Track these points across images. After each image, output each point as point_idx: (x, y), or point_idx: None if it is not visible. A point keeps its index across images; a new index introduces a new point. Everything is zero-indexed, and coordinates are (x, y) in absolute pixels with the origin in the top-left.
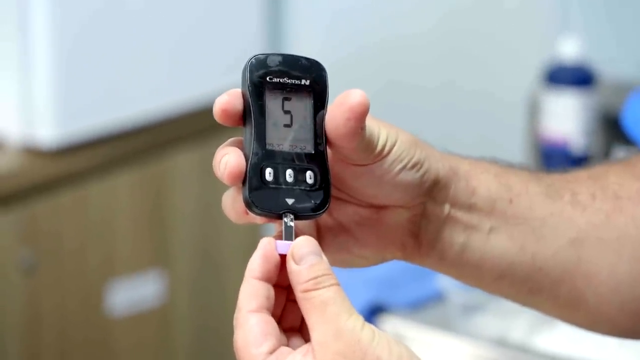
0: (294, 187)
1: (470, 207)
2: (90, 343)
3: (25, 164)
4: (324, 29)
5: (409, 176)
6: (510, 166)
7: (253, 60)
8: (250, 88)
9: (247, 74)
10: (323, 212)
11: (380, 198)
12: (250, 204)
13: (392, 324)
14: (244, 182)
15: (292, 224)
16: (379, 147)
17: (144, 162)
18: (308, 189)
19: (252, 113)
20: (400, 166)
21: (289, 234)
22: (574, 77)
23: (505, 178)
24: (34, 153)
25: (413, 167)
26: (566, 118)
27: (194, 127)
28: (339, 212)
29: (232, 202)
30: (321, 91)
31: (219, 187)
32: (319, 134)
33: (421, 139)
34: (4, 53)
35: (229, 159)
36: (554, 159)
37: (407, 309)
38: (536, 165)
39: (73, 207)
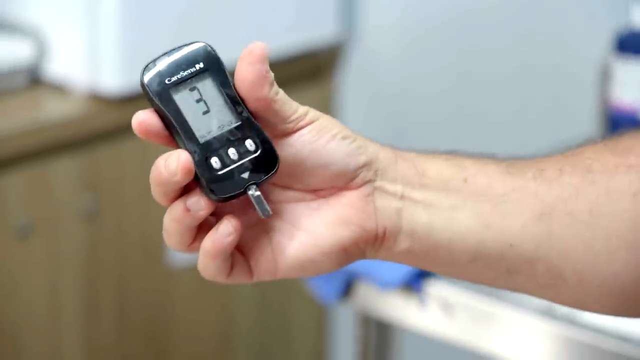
0: (243, 161)
1: (423, 186)
2: (148, 292)
3: (90, 110)
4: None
5: (342, 146)
6: (466, 155)
7: (144, 74)
8: (158, 99)
9: (148, 89)
10: (278, 165)
11: (317, 173)
12: (214, 197)
13: (438, 290)
14: (200, 184)
15: (258, 193)
16: (298, 111)
17: None
18: (255, 155)
19: (172, 119)
20: (329, 135)
21: (261, 203)
22: None
23: (458, 160)
24: (98, 100)
25: (345, 138)
26: (637, 86)
27: None
28: (287, 213)
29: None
30: (217, 65)
31: None
32: (236, 102)
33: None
34: (75, 3)
35: (178, 154)
36: (623, 127)
37: None
38: (605, 134)
39: (135, 156)
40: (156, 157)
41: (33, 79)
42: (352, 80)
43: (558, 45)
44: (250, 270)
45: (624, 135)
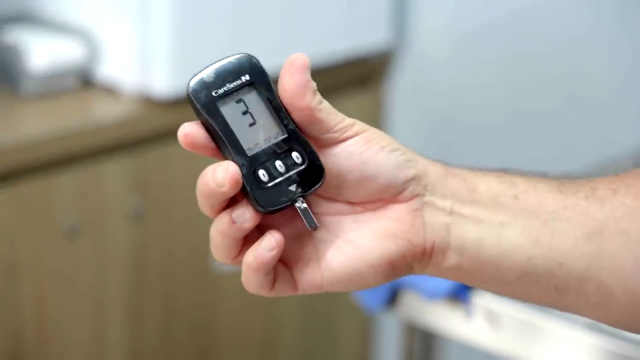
0: (290, 174)
1: (472, 202)
2: (194, 295)
3: (140, 113)
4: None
5: (391, 158)
6: (516, 173)
7: (191, 85)
8: (205, 111)
9: (195, 101)
10: (324, 178)
11: (364, 185)
12: (261, 210)
13: (484, 301)
14: (247, 196)
15: (305, 205)
16: (344, 121)
17: None
18: (301, 168)
19: (219, 131)
20: (377, 146)
21: (308, 215)
22: None
23: (508, 177)
24: (148, 102)
25: (394, 150)
26: None
27: None
28: (333, 225)
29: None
30: (262, 77)
31: None
32: (282, 115)
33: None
34: (127, 5)
35: (227, 165)
36: None
37: None
38: None
39: (184, 158)
40: (205, 161)
41: (84, 80)
42: (403, 87)
43: (609, 56)
44: (294, 283)
45: None
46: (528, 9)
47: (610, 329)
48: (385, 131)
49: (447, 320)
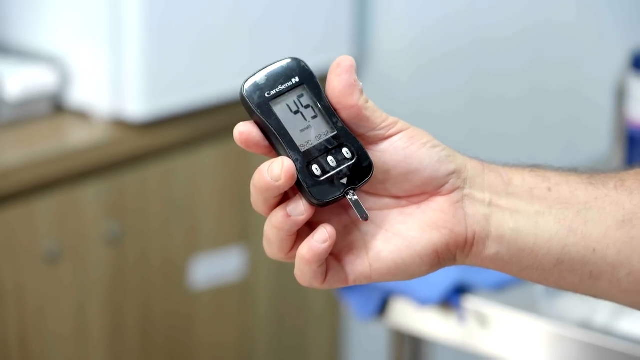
0: (341, 168)
1: (509, 195)
2: (172, 315)
3: (113, 136)
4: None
5: (433, 153)
6: (548, 167)
7: (245, 87)
8: (259, 111)
9: (249, 102)
10: (372, 171)
11: (409, 179)
12: (316, 202)
13: (476, 305)
14: (302, 190)
15: (356, 197)
16: (389, 119)
17: (228, 138)
18: (351, 162)
19: (274, 130)
20: (420, 142)
21: (359, 206)
22: None
23: (541, 171)
24: (121, 126)
25: (435, 146)
26: None
27: None
28: (380, 219)
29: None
30: (311, 79)
31: None
32: (331, 114)
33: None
34: (97, 31)
35: (282, 160)
36: (639, 142)
37: (492, 290)
38: (622, 149)
39: (158, 181)
40: (179, 182)
41: (57, 106)
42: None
43: (573, 65)
44: (345, 275)
45: None
46: (489, 29)
47: (600, 325)
48: None
49: (437, 325)
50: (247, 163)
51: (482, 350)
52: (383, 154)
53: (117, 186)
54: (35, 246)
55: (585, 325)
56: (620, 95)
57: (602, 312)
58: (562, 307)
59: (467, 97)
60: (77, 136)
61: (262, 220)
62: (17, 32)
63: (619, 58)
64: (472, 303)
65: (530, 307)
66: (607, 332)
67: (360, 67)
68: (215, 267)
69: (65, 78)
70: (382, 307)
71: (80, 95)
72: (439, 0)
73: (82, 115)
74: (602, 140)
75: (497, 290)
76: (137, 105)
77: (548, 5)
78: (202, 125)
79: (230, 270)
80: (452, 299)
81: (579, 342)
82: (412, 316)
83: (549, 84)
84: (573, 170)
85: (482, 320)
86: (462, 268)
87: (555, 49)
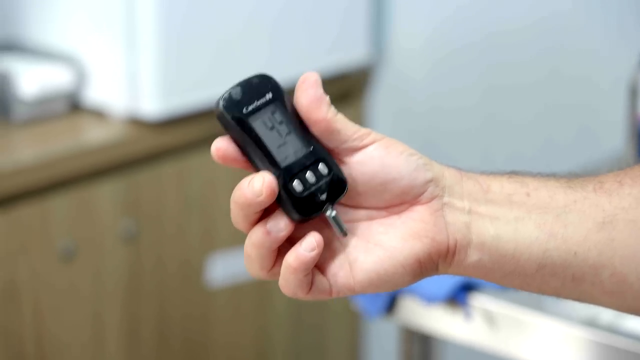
0: (320, 184)
1: (488, 201)
2: (187, 312)
3: (129, 135)
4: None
5: (410, 162)
6: (527, 174)
7: (221, 104)
8: (239, 127)
9: (227, 117)
10: (347, 186)
11: (387, 189)
12: (299, 219)
13: (482, 302)
14: (283, 206)
15: (335, 213)
16: (361, 130)
17: None
18: (328, 177)
19: (254, 143)
20: (396, 151)
21: (338, 222)
22: None
23: (519, 177)
24: (137, 125)
25: (411, 155)
26: None
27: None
28: (361, 230)
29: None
30: (282, 95)
31: None
32: (304, 129)
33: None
34: (113, 30)
35: (263, 176)
36: None
37: (498, 288)
38: (632, 149)
39: (175, 179)
40: (195, 181)
41: (73, 105)
42: (381, 101)
43: (587, 61)
44: (329, 288)
45: None
46: (501, 36)
47: (606, 324)
48: None
49: (445, 323)
50: None
51: (489, 347)
52: (360, 164)
53: (133, 184)
54: (51, 244)
55: (591, 324)
56: (634, 93)
57: (608, 310)
58: (568, 305)
59: (482, 89)
60: (93, 134)
61: None
62: (34, 31)
63: (634, 53)
64: (478, 301)
65: (537, 305)
66: (612, 330)
67: (377, 66)
68: (232, 266)
69: (81, 77)
70: (391, 305)
71: (97, 93)
72: None
73: (98, 114)
74: (617, 135)
75: (504, 288)
76: (153, 103)
77: None
78: (217, 124)
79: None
80: (458, 297)
81: (585, 340)
82: (420, 314)
83: (564, 72)
84: (552, 175)
85: (488, 317)
86: None
87: (570, 39)
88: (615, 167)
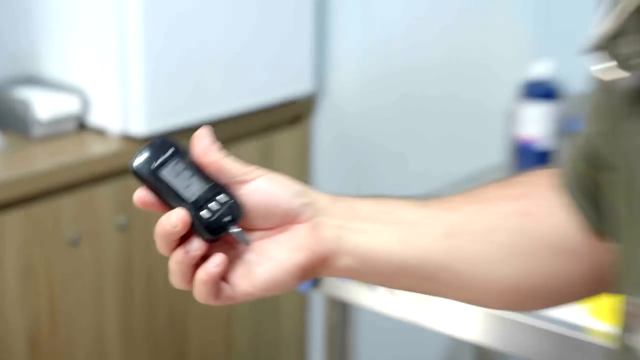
0: (222, 210)
1: (355, 219)
2: (171, 288)
3: (123, 149)
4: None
5: (288, 190)
6: (391, 197)
7: (135, 165)
8: (151, 179)
9: (141, 174)
10: (243, 208)
11: (273, 212)
12: (210, 239)
13: None
14: (196, 231)
15: (239, 229)
16: (248, 167)
17: (236, 147)
18: (228, 205)
19: (166, 190)
20: (277, 182)
21: (241, 235)
22: (543, 92)
23: (383, 200)
24: (129, 141)
25: (289, 185)
26: (534, 123)
27: (255, 124)
28: (257, 248)
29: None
30: (180, 149)
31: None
32: (203, 172)
33: None
34: (110, 69)
35: (177, 212)
36: (526, 155)
37: None
38: (512, 161)
39: None
40: None
41: (79, 125)
42: (323, 123)
43: (476, 90)
44: (233, 294)
45: (524, 174)
46: (414, 60)
47: None
48: (312, 159)
49: (358, 293)
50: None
51: (392, 312)
52: (250, 194)
53: (125, 187)
54: (61, 234)
55: None
56: (513, 117)
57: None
58: None
59: (399, 120)
60: (95, 149)
61: None
62: (48, 68)
63: (512, 86)
64: None
65: None
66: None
67: (319, 95)
68: None
69: (86, 103)
70: (318, 281)
71: (98, 117)
72: (376, 40)
73: (99, 132)
74: (499, 150)
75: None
76: (141, 125)
77: (459, 41)
78: (189, 140)
79: None
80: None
81: (481, 310)
82: (338, 286)
83: (461, 101)
84: (411, 197)
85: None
86: None
87: (466, 78)
88: (497, 177)
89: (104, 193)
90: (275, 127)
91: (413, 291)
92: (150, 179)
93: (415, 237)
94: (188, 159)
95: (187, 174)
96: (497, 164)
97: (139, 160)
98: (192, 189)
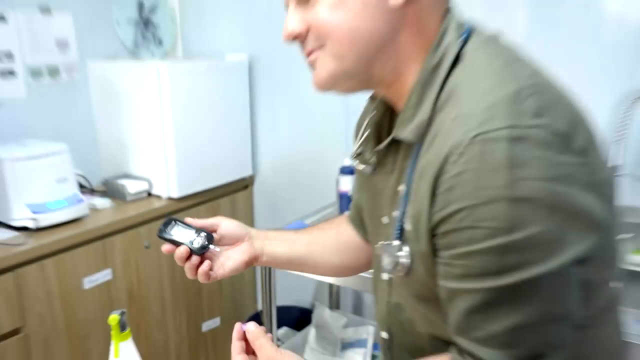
0: (204, 240)
1: (270, 238)
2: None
3: (168, 204)
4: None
5: (240, 228)
6: (284, 230)
7: (159, 232)
8: (167, 238)
9: (162, 236)
10: (214, 237)
11: (232, 237)
12: (200, 252)
13: None
14: (193, 252)
15: (213, 246)
16: (219, 218)
17: (212, 203)
18: (205, 236)
19: (174, 240)
20: (234, 223)
21: (215, 248)
22: (348, 171)
23: (281, 231)
24: (170, 200)
25: (242, 226)
26: (346, 184)
27: (228, 189)
28: (224, 253)
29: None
30: (177, 219)
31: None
32: (189, 225)
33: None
34: (160, 169)
35: (181, 248)
36: (343, 198)
37: None
38: (338, 201)
39: (188, 216)
40: (193, 216)
41: (148, 194)
42: (258, 190)
43: (323, 174)
44: (216, 276)
45: (337, 216)
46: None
47: None
48: (253, 208)
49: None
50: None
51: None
52: (223, 228)
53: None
54: (141, 242)
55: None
56: (337, 180)
57: None
58: None
59: (290, 184)
60: (155, 204)
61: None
62: (133, 169)
63: (338, 165)
64: None
65: None
66: None
67: (255, 176)
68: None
69: (150, 184)
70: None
71: (156, 190)
72: (280, 145)
73: (157, 197)
74: (332, 196)
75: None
76: (175, 192)
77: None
78: (201, 198)
79: None
80: None
81: None
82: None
83: (309, 172)
84: (294, 230)
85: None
86: None
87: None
88: (331, 212)
89: (155, 228)
90: (236, 191)
91: (296, 271)
92: (165, 238)
93: (294, 246)
94: (186, 223)
95: (182, 229)
96: (332, 201)
97: (159, 230)
98: (191, 235)
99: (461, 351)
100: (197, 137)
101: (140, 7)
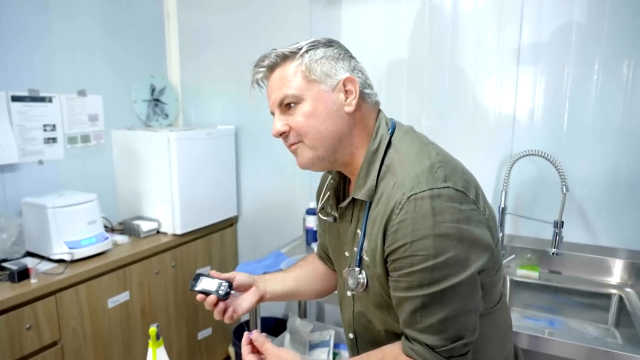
0: (227, 288)
1: (269, 280)
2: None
3: (174, 239)
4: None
5: (249, 278)
6: (278, 271)
7: (191, 285)
8: (198, 289)
9: (193, 287)
10: (232, 285)
11: (246, 285)
12: (225, 298)
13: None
14: (220, 298)
15: (234, 291)
16: (234, 273)
17: (203, 239)
18: (227, 285)
19: (207, 291)
20: (245, 276)
21: (236, 294)
22: (312, 211)
23: (274, 273)
24: (176, 235)
25: (249, 276)
26: (312, 223)
27: (217, 227)
28: (241, 297)
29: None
30: (202, 274)
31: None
32: (213, 277)
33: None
34: (165, 210)
35: (212, 297)
36: (309, 233)
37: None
38: (305, 235)
39: (193, 250)
40: (197, 252)
41: (157, 231)
42: (241, 228)
43: (295, 216)
44: (235, 316)
45: (310, 255)
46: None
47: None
48: (237, 243)
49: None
50: (221, 250)
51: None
52: (238, 279)
53: (174, 254)
54: (152, 269)
55: None
56: (304, 219)
57: None
58: None
59: (269, 224)
60: (163, 240)
61: None
62: (145, 212)
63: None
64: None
65: None
66: None
67: (239, 215)
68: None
69: (159, 224)
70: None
71: (164, 227)
72: (259, 188)
73: (164, 233)
74: (300, 231)
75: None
76: (179, 229)
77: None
78: (199, 232)
79: None
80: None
81: None
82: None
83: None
84: (281, 270)
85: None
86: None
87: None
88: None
89: (168, 256)
90: (224, 227)
91: (290, 300)
92: (198, 289)
93: (285, 283)
94: (208, 276)
95: (209, 281)
96: (300, 235)
97: (191, 285)
98: (213, 284)
99: (409, 339)
100: (195, 187)
101: (152, 90)
